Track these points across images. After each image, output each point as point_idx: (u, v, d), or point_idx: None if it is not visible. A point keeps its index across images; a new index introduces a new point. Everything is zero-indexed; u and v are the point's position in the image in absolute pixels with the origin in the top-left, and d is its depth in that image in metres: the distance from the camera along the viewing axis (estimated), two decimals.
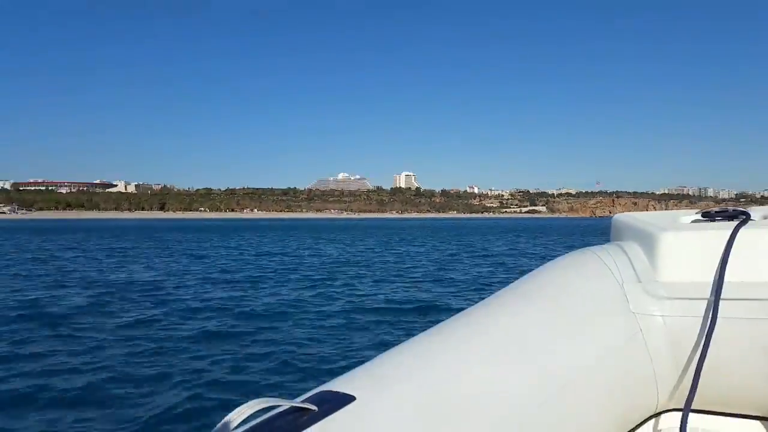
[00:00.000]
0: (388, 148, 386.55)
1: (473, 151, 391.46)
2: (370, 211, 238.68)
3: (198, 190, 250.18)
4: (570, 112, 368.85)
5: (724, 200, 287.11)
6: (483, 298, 1.03)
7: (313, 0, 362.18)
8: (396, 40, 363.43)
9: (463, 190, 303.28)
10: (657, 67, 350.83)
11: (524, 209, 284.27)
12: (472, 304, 1.00)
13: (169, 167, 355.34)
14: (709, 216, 1.13)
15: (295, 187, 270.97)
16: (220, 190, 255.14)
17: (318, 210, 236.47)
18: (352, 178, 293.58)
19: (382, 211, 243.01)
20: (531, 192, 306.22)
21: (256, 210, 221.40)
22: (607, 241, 1.28)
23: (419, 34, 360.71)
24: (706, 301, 0.98)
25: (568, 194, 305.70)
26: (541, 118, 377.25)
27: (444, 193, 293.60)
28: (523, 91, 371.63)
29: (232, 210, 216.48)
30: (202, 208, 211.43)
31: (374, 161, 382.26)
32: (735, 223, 1.05)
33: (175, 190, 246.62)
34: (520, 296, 1.01)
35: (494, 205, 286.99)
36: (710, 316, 0.95)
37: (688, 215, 1.18)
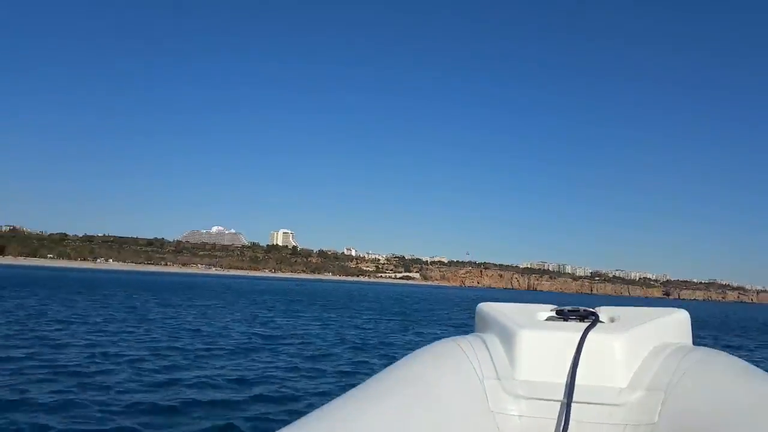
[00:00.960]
0: (266, 204, 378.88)
1: (353, 214, 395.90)
2: (241, 268, 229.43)
3: (51, 234, 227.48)
4: (443, 180, 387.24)
5: (580, 277, 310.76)
6: (347, 390, 1.00)
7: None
8: (277, 89, 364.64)
9: (340, 251, 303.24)
10: (521, 147, 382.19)
11: (399, 275, 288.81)
12: (336, 396, 0.98)
13: (24, 208, 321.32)
14: (562, 315, 1.18)
15: (162, 238, 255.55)
16: (76, 236, 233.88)
17: (184, 264, 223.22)
18: (227, 232, 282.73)
19: (255, 269, 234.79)
20: (406, 258, 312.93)
21: (111, 260, 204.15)
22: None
23: (297, 79, 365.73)
24: (559, 403, 1.00)
25: (441, 262, 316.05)
26: (418, 182, 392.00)
27: (321, 253, 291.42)
28: (398, 158, 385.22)
29: (85, 259, 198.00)
30: (51, 255, 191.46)
31: (252, 217, 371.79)
32: (585, 324, 1.09)
33: (26, 232, 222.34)
34: (386, 390, 0.99)
35: (370, 269, 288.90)
36: (563, 419, 0.97)
37: (544, 312, 1.21)
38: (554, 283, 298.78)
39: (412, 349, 1.17)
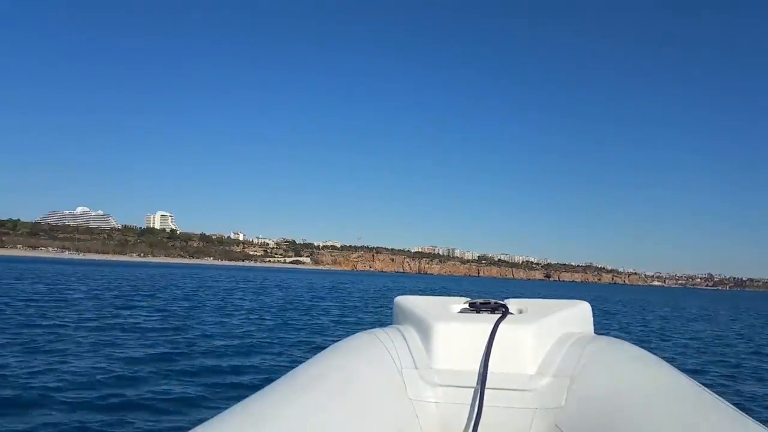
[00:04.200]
0: (142, 185, 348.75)
1: (243, 198, 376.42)
2: (104, 252, 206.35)
3: None
4: (335, 164, 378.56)
5: (468, 261, 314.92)
6: (269, 383, 1.01)
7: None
8: (158, 59, 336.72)
9: (227, 236, 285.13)
10: (409, 132, 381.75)
11: (288, 259, 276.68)
12: (255, 391, 0.96)
13: None
14: (474, 307, 1.27)
15: (18, 219, 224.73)
16: None
17: (32, 247, 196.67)
18: (93, 214, 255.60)
19: (121, 253, 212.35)
20: (297, 242, 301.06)
21: None
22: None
23: (180, 56, 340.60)
24: (473, 390, 1.08)
25: (333, 247, 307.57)
26: (310, 167, 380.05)
27: (204, 237, 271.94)
28: (291, 140, 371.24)
29: None
30: None
31: (126, 199, 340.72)
32: (496, 316, 1.18)
33: None
34: (308, 382, 1.02)
35: (258, 254, 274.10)
36: (477, 404, 1.05)
37: (458, 304, 1.31)
38: (443, 266, 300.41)
39: (325, 345, 1.20)
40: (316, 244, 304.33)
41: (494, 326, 1.12)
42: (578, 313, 1.27)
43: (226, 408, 0.89)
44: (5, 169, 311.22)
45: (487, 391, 1.05)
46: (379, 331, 1.24)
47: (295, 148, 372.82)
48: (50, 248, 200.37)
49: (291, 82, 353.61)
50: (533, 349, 1.12)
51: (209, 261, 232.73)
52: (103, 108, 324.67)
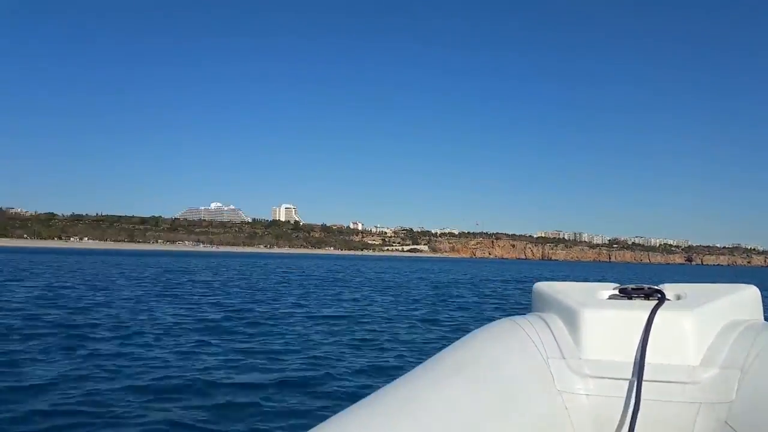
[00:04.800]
0: (269, 179, 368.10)
1: (360, 188, 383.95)
2: (235, 245, 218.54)
3: (39, 214, 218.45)
4: (453, 150, 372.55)
5: (597, 245, 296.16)
6: (407, 371, 0.99)
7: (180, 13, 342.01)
8: (276, 61, 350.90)
9: (346, 226, 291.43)
10: (532, 113, 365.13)
11: (406, 248, 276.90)
12: (397, 377, 0.96)
13: (23, 188, 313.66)
14: (626, 293, 1.16)
15: (159, 216, 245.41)
16: (64, 215, 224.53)
17: (170, 242, 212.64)
18: (226, 209, 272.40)
19: (250, 245, 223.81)
20: (414, 230, 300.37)
21: (87, 239, 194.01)
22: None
23: (297, 51, 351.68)
24: (628, 382, 1.00)
25: (451, 234, 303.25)
26: (425, 155, 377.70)
27: (325, 228, 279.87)
28: (407, 129, 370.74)
29: (59, 238, 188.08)
30: (25, 235, 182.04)
31: (253, 193, 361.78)
32: (652, 303, 1.07)
33: (12, 212, 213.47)
34: (447, 370, 0.98)
35: (376, 243, 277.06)
36: (633, 397, 0.97)
37: (606, 290, 1.20)
38: (570, 251, 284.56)
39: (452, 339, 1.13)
40: (433, 231, 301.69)
41: (651, 313, 1.03)
42: (745, 299, 1.13)
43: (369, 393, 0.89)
44: (148, 171, 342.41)
45: (644, 384, 0.97)
46: (519, 319, 1.17)
47: (410, 137, 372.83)
48: (186, 242, 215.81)
49: (410, 80, 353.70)
50: (696, 338, 1.01)
51: (329, 251, 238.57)
52: (232, 110, 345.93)
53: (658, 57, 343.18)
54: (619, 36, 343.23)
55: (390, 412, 0.84)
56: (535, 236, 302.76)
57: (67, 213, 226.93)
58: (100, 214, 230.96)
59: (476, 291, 24.34)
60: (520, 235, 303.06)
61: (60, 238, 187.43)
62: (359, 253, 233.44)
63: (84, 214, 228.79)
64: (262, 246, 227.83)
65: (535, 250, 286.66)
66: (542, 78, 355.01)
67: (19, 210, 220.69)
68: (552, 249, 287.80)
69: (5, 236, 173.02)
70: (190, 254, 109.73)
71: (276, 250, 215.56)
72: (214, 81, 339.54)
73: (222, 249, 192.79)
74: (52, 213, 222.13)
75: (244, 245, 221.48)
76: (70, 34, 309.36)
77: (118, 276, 26.65)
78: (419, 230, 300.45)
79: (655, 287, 1.14)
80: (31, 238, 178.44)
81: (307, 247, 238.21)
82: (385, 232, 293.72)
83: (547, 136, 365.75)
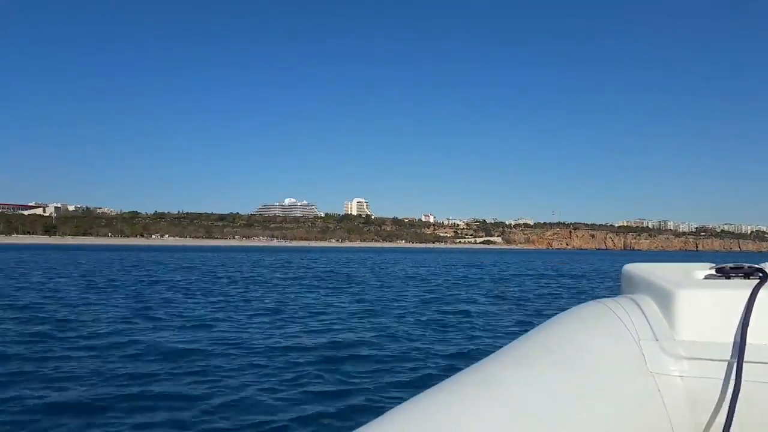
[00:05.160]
0: (341, 174, 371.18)
1: (432, 180, 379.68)
2: (307, 239, 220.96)
3: (123, 213, 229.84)
4: (525, 138, 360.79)
5: (684, 234, 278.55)
6: (492, 351, 0.98)
7: (254, 23, 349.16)
8: (349, 60, 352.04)
9: (417, 218, 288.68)
10: (616, 99, 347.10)
11: (479, 240, 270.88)
12: (481, 358, 0.95)
13: (108, 189, 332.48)
14: (723, 273, 1.11)
15: (236, 213, 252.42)
16: (147, 213, 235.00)
17: (245, 237, 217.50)
18: (299, 204, 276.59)
19: (322, 239, 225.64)
20: (487, 222, 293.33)
21: (167, 236, 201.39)
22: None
23: (369, 53, 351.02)
24: (726, 363, 0.95)
25: (526, 225, 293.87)
26: (499, 145, 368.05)
27: (396, 221, 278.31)
28: (481, 121, 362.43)
29: (140, 235, 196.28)
30: (110, 233, 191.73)
31: (326, 187, 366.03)
32: (754, 282, 1.02)
33: (99, 211, 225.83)
34: (533, 352, 0.95)
35: (448, 235, 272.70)
36: (733, 378, 0.92)
37: (701, 270, 1.14)
38: (654, 241, 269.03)
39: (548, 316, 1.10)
40: (507, 222, 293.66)
41: (752, 293, 0.98)
42: None
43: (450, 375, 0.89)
44: (223, 171, 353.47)
45: (745, 365, 0.92)
46: (608, 301, 1.12)
47: (481, 127, 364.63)
48: (261, 237, 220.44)
49: (481, 76, 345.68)
50: None
51: (401, 244, 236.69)
52: (305, 108, 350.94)
53: None
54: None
55: (473, 393, 0.82)
56: (616, 225, 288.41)
57: (150, 211, 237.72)
58: (181, 212, 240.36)
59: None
60: (600, 225, 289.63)
61: (142, 236, 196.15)
62: (431, 245, 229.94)
63: (166, 212, 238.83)
64: (333, 240, 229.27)
65: (616, 240, 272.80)
66: (635, 65, 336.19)
67: (106, 209, 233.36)
68: (635, 238, 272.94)
69: (90, 234, 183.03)
70: (265, 249, 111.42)
71: (347, 244, 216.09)
72: (289, 83, 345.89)
73: (294, 244, 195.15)
74: (136, 211, 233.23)
75: (317, 239, 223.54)
76: (173, 40, 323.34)
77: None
78: (492, 221, 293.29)
79: (756, 266, 1.09)
80: (114, 236, 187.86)
81: (378, 241, 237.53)
82: (458, 224, 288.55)
83: (626, 120, 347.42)
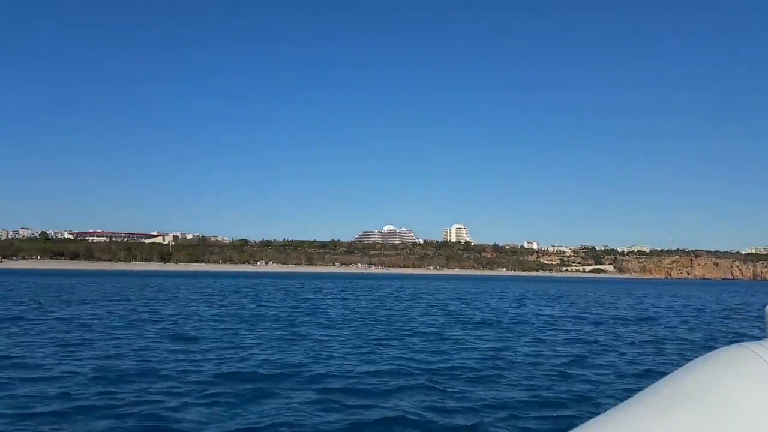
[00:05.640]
0: (440, 200, 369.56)
1: (535, 206, 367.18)
2: (405, 266, 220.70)
3: (234, 241, 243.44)
4: (638, 160, 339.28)
5: None
6: (623, 399, 0.91)
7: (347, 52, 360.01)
8: (445, 85, 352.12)
9: (519, 245, 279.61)
10: (729, 109, 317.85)
11: (588, 268, 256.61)
12: (612, 406, 0.89)
13: (220, 219, 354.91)
14: None
15: (338, 240, 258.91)
16: (255, 241, 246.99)
17: (344, 264, 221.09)
18: (398, 231, 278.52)
19: (420, 266, 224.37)
20: (597, 249, 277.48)
21: (271, 263, 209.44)
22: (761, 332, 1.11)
23: (466, 78, 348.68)
24: None
25: (641, 252, 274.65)
26: (611, 168, 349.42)
27: (497, 248, 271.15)
28: (590, 141, 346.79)
29: (246, 262, 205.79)
30: (220, 260, 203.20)
31: (425, 214, 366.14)
32: None
33: (213, 239, 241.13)
34: (669, 400, 0.87)
35: (553, 263, 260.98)
36: None
37: None
38: None
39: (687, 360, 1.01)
40: (619, 249, 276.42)
41: None
42: None
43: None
44: (329, 197, 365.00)
45: None
46: (753, 345, 1.00)
47: (588, 149, 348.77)
48: (359, 264, 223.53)
49: (582, 96, 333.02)
50: None
51: (502, 272, 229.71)
52: (403, 137, 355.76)
53: None
54: None
55: None
56: (743, 253, 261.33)
57: (258, 239, 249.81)
58: (286, 239, 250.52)
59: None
60: (725, 252, 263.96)
61: (248, 263, 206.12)
62: (534, 274, 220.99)
63: (272, 239, 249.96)
64: (431, 267, 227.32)
65: (744, 269, 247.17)
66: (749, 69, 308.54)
67: (219, 237, 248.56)
68: (766, 267, 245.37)
69: (202, 261, 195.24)
70: (363, 276, 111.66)
71: (446, 271, 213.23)
72: (384, 110, 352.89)
73: (391, 271, 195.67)
74: (246, 239, 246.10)
75: (414, 266, 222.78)
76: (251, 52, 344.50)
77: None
78: (602, 248, 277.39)
79: None
80: (223, 263, 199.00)
81: (478, 269, 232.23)
82: (564, 252, 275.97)
83: (751, 133, 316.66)
